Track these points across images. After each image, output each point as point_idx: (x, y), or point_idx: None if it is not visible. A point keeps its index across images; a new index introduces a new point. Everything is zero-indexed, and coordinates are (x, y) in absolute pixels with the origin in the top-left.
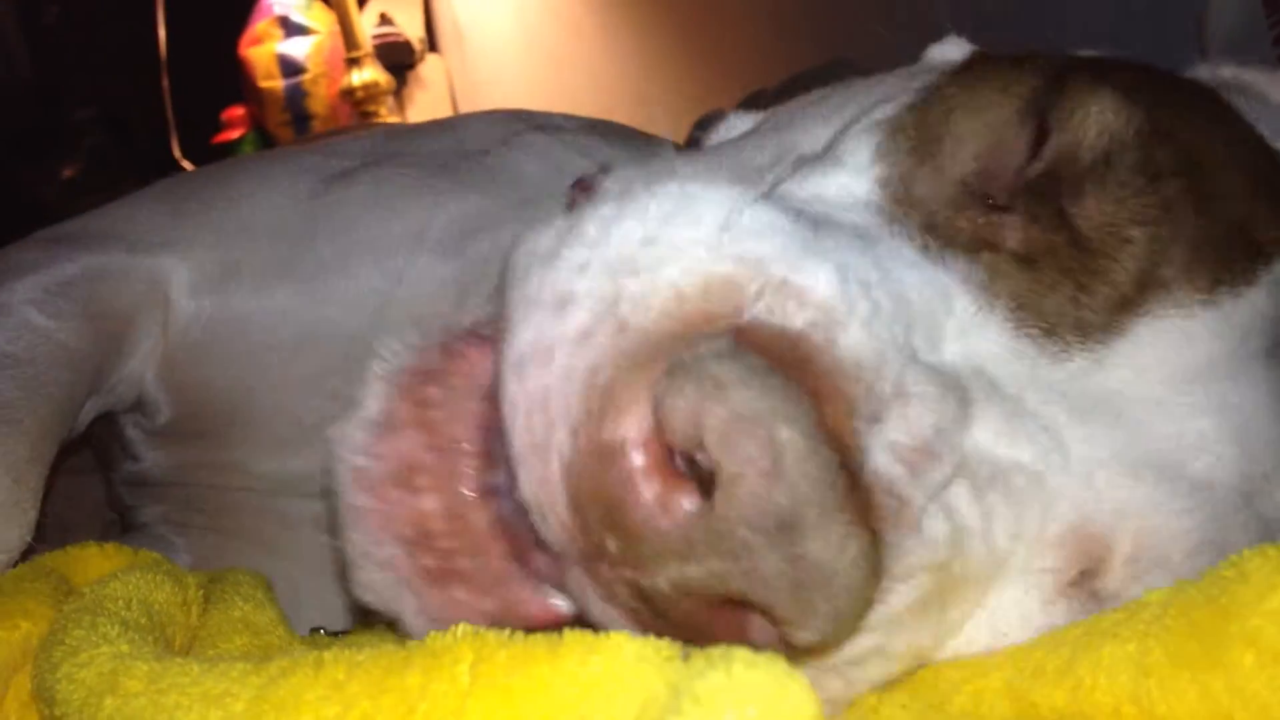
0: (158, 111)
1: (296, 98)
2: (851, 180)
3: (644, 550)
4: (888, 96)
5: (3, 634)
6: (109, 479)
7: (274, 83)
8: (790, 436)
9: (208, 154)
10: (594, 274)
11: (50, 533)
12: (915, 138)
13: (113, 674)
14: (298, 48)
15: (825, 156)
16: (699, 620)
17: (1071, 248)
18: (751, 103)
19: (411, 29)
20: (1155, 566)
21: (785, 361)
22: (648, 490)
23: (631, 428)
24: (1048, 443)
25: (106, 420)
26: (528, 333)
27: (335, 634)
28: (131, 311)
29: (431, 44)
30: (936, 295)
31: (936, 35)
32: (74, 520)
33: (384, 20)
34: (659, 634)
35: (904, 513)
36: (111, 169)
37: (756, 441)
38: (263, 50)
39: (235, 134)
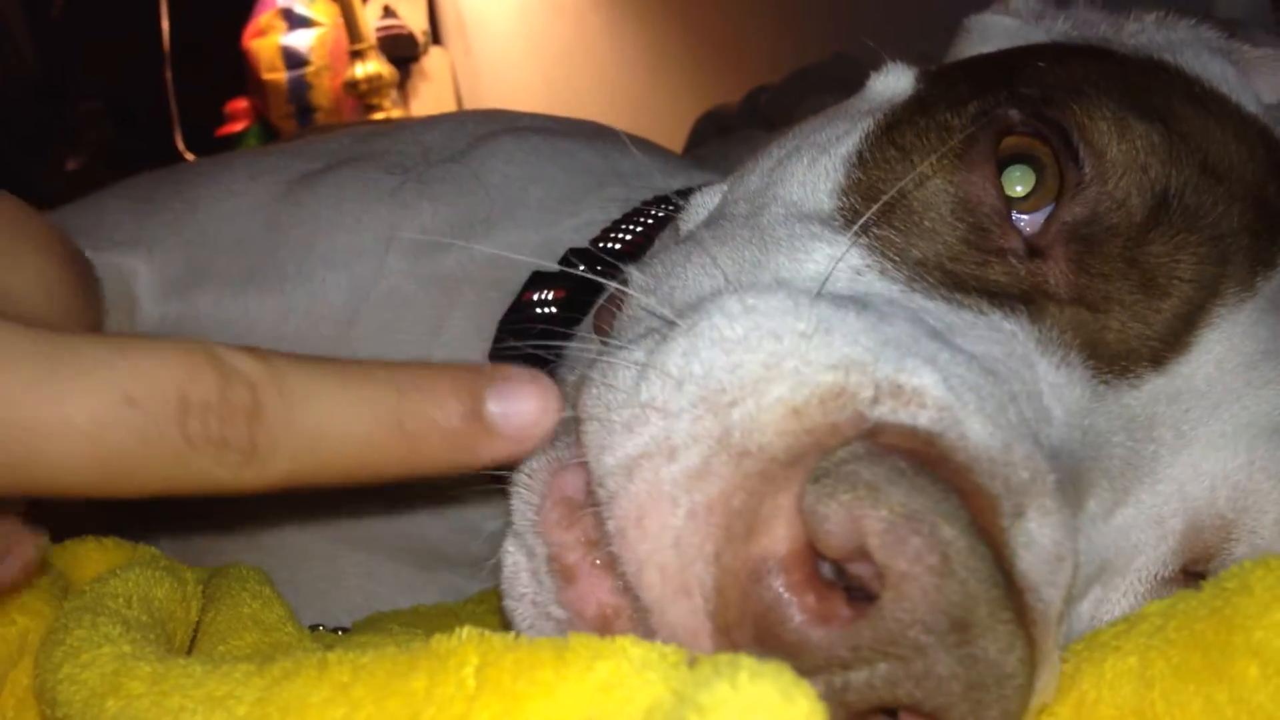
0: (161, 104)
1: (300, 90)
2: (854, 255)
3: (804, 662)
4: (849, 149)
5: (0, 630)
6: None
7: (277, 75)
8: (954, 534)
9: (211, 146)
10: (691, 414)
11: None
12: (904, 198)
13: (115, 675)
14: (301, 40)
15: (820, 234)
16: None
17: (1127, 286)
18: (752, 99)
19: (415, 21)
20: None
21: (925, 460)
22: (804, 601)
23: (779, 542)
24: (1154, 477)
25: None
26: (637, 490)
27: (335, 631)
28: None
29: (435, 36)
30: (1019, 360)
31: (936, 31)
32: (70, 516)
33: (387, 13)
34: None
35: (1048, 617)
36: (115, 162)
37: (923, 540)
38: (266, 43)
39: (239, 126)
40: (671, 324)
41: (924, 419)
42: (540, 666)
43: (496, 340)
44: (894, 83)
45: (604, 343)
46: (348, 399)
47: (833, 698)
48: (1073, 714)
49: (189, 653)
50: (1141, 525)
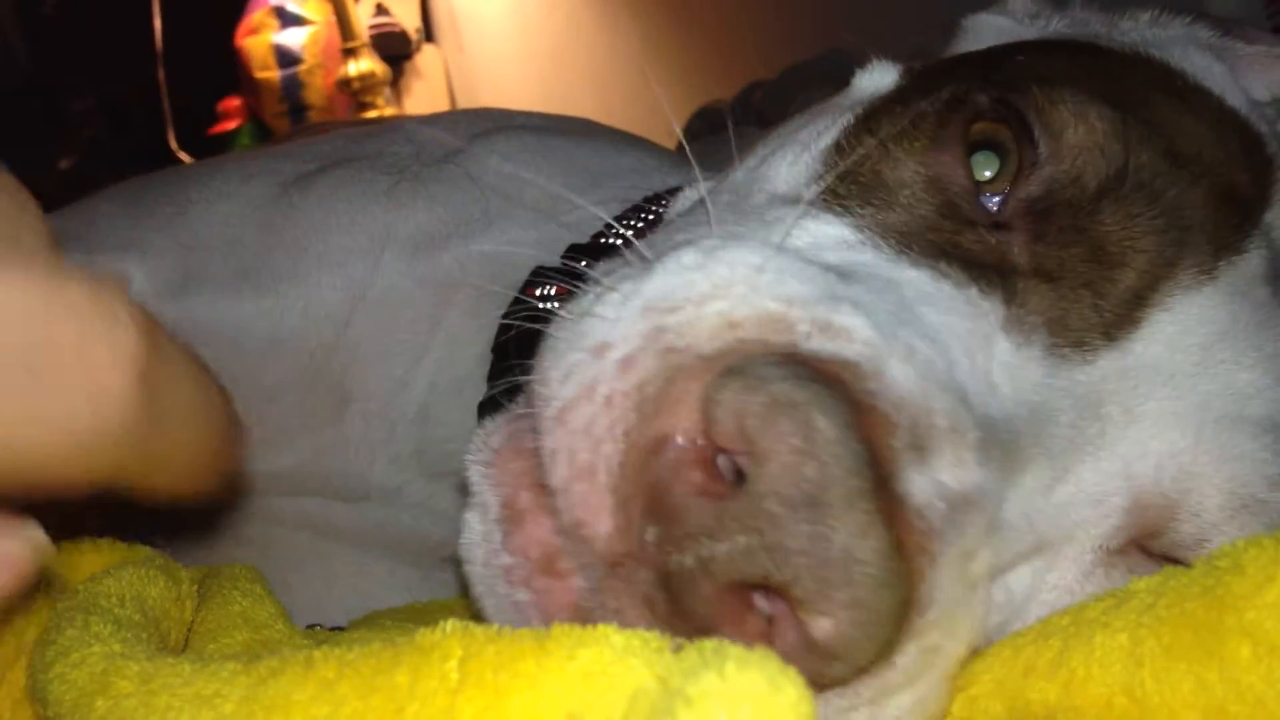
0: (154, 103)
1: (293, 88)
2: (841, 229)
3: (678, 530)
4: (829, 141)
5: None
6: None
7: (270, 73)
8: (825, 424)
9: (204, 145)
10: (631, 318)
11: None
12: (881, 177)
13: (104, 674)
14: (294, 38)
15: (798, 210)
16: (718, 613)
17: (1079, 253)
18: (747, 95)
19: (408, 19)
20: (1242, 508)
21: (833, 380)
22: (691, 475)
23: (678, 421)
24: (1098, 455)
25: None
26: (567, 384)
27: (332, 630)
28: None
29: (428, 34)
30: (978, 338)
31: (930, 26)
32: (71, 515)
33: (380, 10)
34: (674, 630)
35: (930, 539)
36: (108, 161)
37: (792, 423)
38: (259, 41)
39: (232, 125)
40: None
41: (848, 351)
42: (522, 657)
43: (499, 336)
44: (878, 79)
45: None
46: None
47: (700, 568)
48: (1062, 691)
49: (183, 651)
50: (1082, 502)
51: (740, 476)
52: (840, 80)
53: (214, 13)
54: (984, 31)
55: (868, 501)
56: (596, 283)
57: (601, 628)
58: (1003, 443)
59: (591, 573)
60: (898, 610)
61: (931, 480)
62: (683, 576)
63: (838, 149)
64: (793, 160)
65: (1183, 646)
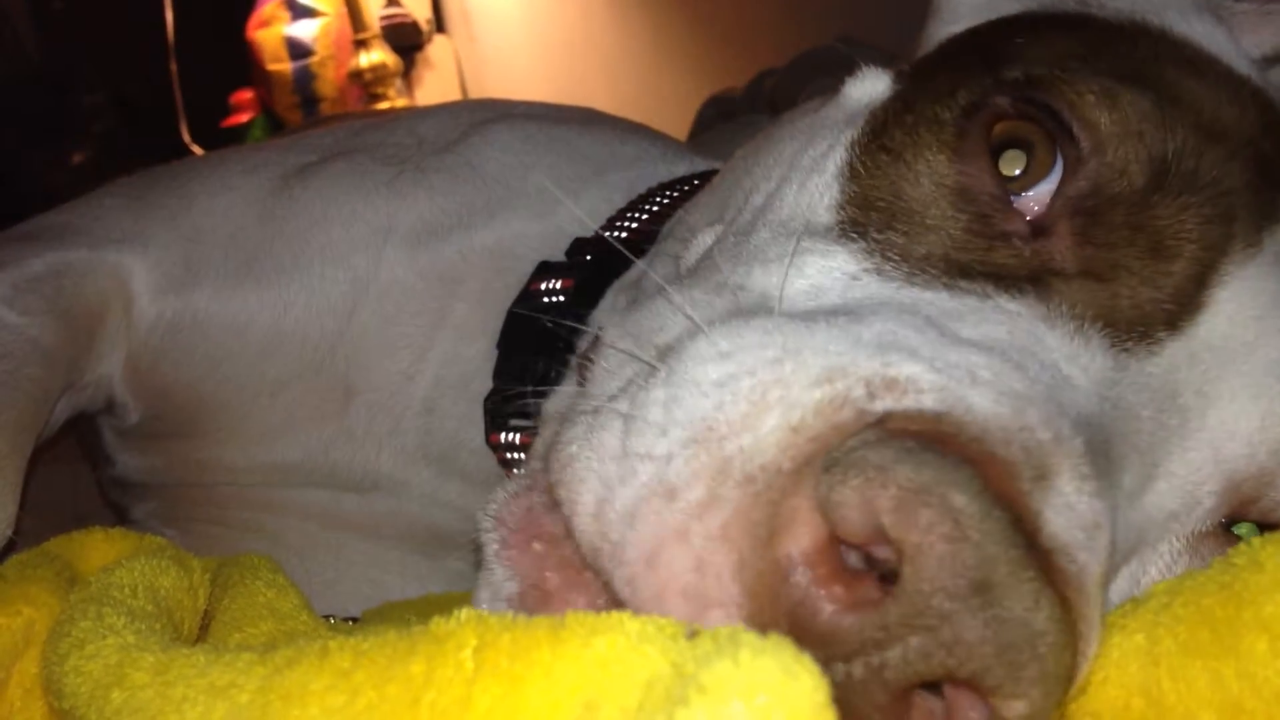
0: (166, 97)
1: (305, 80)
2: (843, 260)
3: (840, 649)
4: (839, 162)
5: (5, 621)
6: (98, 479)
7: (282, 65)
8: (964, 501)
9: (217, 138)
10: (683, 455)
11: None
12: (900, 198)
13: (119, 666)
14: (305, 30)
15: (813, 247)
16: (891, 716)
17: (1134, 252)
18: (757, 84)
19: (419, 10)
20: None
21: (933, 438)
22: (833, 591)
23: (801, 538)
24: (1184, 445)
25: (87, 423)
26: (642, 533)
27: (347, 621)
28: (99, 307)
29: (439, 25)
30: (1024, 335)
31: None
32: (87, 509)
33: (391, 1)
34: None
35: (1084, 579)
36: (121, 155)
37: (933, 510)
38: (270, 33)
39: (244, 117)
40: (651, 369)
41: (928, 401)
42: (537, 646)
43: (505, 330)
44: (870, 87)
45: (579, 392)
46: None
47: (873, 679)
48: (1080, 697)
49: (200, 641)
50: (1174, 496)
51: (871, 564)
52: (852, 67)
53: (225, 6)
54: (959, 8)
55: (1031, 570)
56: (608, 400)
57: (616, 614)
58: (1097, 444)
59: None
60: (1074, 662)
61: (1064, 510)
62: (852, 690)
63: (851, 170)
64: (799, 187)
65: (1199, 643)
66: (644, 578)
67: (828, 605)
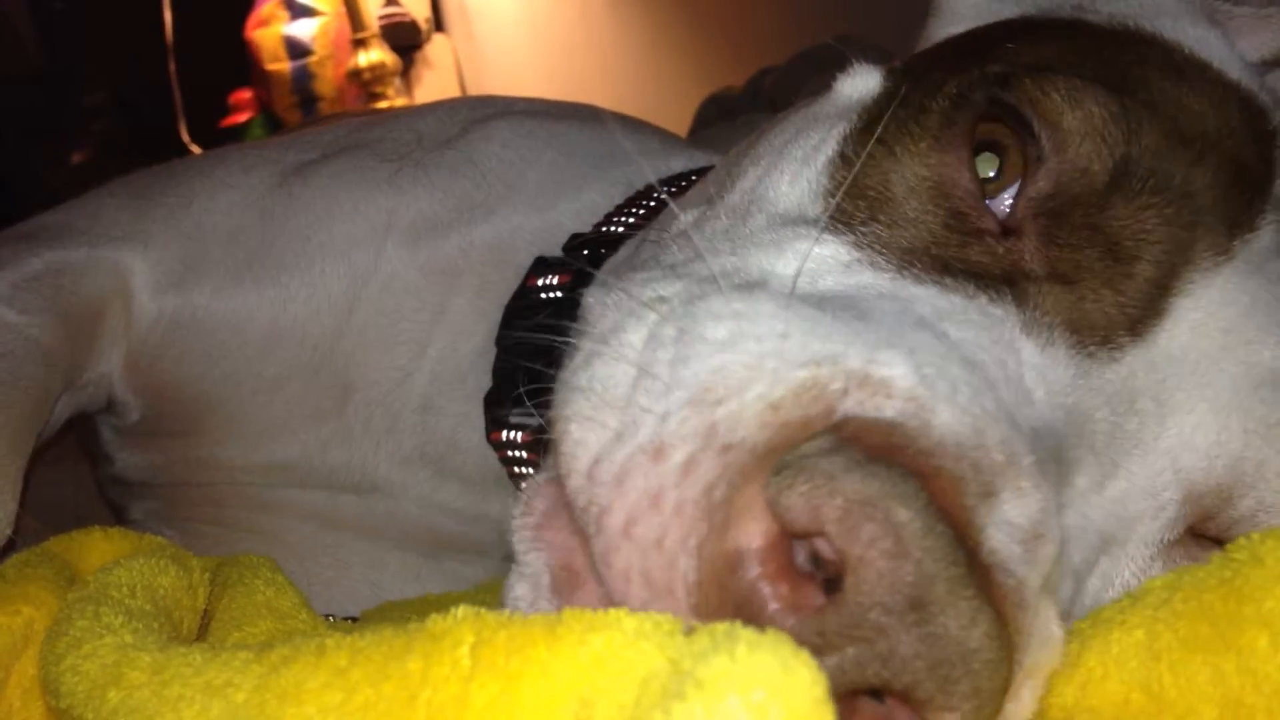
0: (165, 96)
1: (303, 80)
2: (837, 249)
3: None
4: (830, 154)
5: (5, 620)
6: (97, 479)
7: (281, 65)
8: (908, 516)
9: (216, 138)
10: (680, 415)
11: (65, 521)
12: (887, 189)
13: (116, 665)
14: (304, 29)
15: (806, 234)
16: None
17: (1095, 253)
18: (757, 82)
19: (417, 9)
20: None
21: (886, 450)
22: (778, 590)
23: (752, 535)
24: (1143, 449)
25: (86, 422)
26: (624, 489)
27: (346, 620)
28: (99, 306)
29: (438, 23)
30: (1003, 347)
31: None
32: (86, 508)
33: (390, 1)
34: None
35: (1022, 593)
36: (120, 155)
37: (876, 524)
38: (269, 33)
39: (243, 117)
40: (661, 324)
41: (889, 409)
42: (533, 643)
43: (503, 327)
44: (862, 84)
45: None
46: None
47: None
48: (1079, 692)
49: (200, 640)
50: (1137, 496)
51: (818, 564)
52: (848, 66)
53: (224, 5)
54: (959, 9)
55: (969, 587)
56: (618, 349)
57: (613, 611)
58: (1049, 450)
59: None
60: (1009, 675)
61: (1004, 526)
62: None
63: (842, 159)
64: (792, 178)
65: (1199, 639)
66: (618, 548)
67: (772, 603)
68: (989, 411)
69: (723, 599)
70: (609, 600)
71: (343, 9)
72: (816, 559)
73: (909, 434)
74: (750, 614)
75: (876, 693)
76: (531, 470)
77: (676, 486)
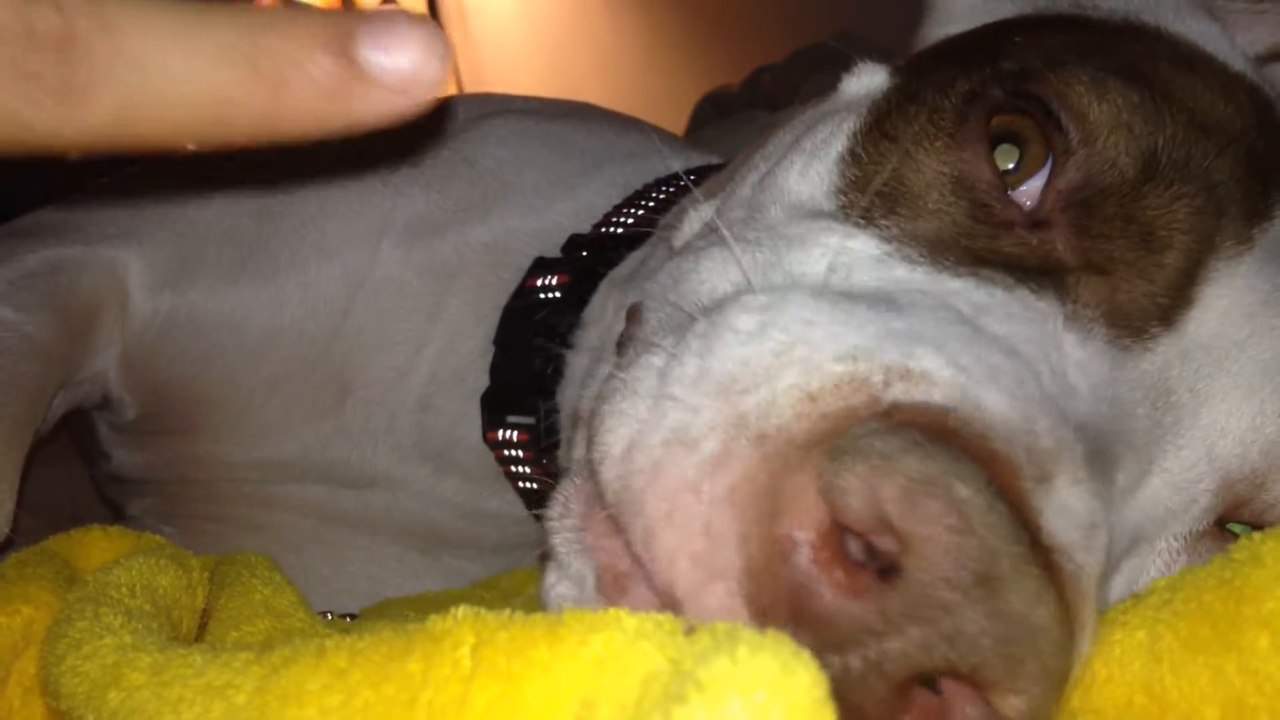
0: None
1: None
2: (867, 242)
3: (836, 636)
4: (840, 149)
5: (4, 620)
6: (93, 476)
7: None
8: (969, 493)
9: None
10: (710, 407)
11: (62, 519)
12: (905, 184)
13: (116, 666)
14: None
15: (830, 227)
16: (892, 709)
17: (1128, 244)
18: (754, 80)
19: (413, 6)
20: None
21: (940, 434)
22: (833, 575)
23: (804, 519)
24: (1178, 443)
25: (82, 418)
26: (664, 486)
27: (344, 618)
28: (95, 303)
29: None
30: (1047, 340)
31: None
32: (83, 506)
33: None
34: None
35: (1080, 579)
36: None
37: (938, 501)
38: None
39: None
40: (692, 319)
41: (937, 395)
42: (534, 644)
43: (501, 327)
44: (868, 80)
45: (620, 348)
46: (189, 32)
47: (872, 671)
48: (1083, 694)
49: (199, 639)
50: (1170, 492)
51: (872, 555)
52: (850, 63)
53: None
54: (955, 9)
55: (1033, 565)
56: (650, 346)
57: (614, 611)
58: (1095, 446)
59: None
60: (1073, 662)
61: (1062, 511)
62: (849, 681)
63: (852, 155)
64: (801, 170)
65: (1200, 639)
66: (660, 534)
67: (829, 590)
68: (1036, 400)
69: (775, 586)
70: (655, 603)
71: (339, 6)
72: (870, 551)
73: (962, 417)
74: (805, 600)
75: (930, 684)
76: (527, 469)
77: (713, 475)
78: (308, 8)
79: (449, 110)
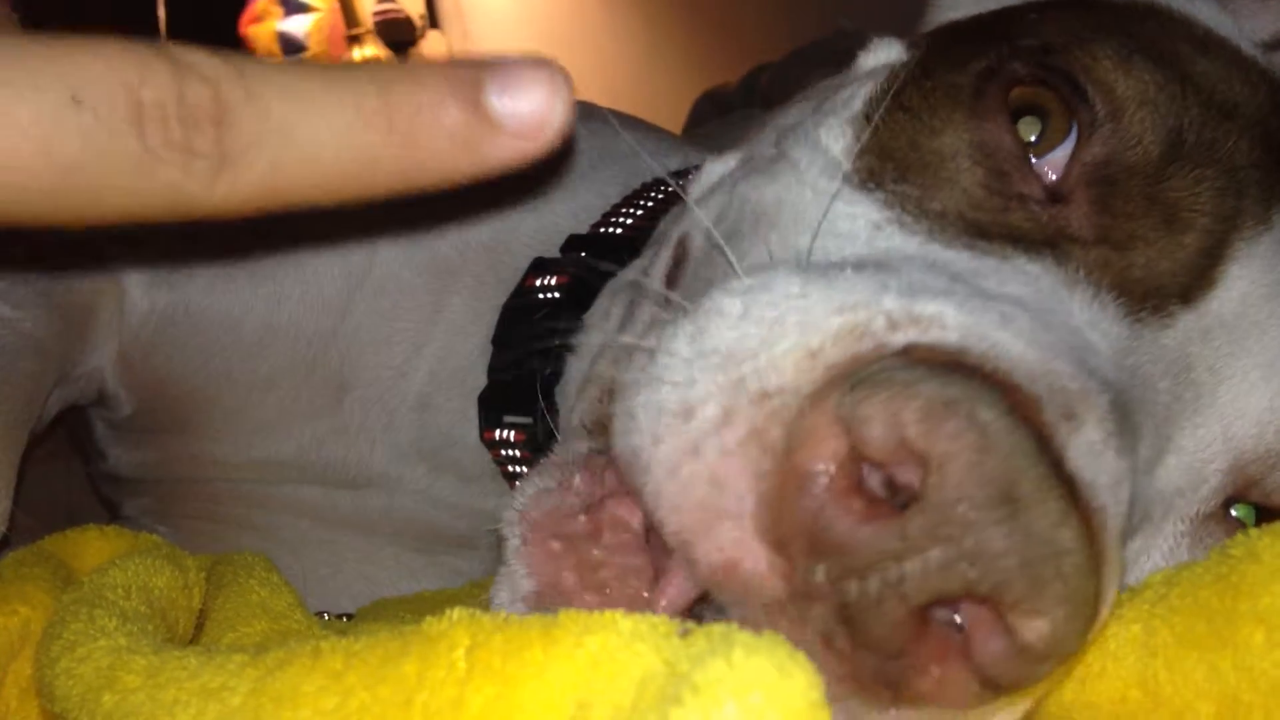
0: None
1: None
2: (867, 208)
3: (857, 561)
4: (854, 113)
5: (1, 620)
6: (89, 475)
7: None
8: (992, 415)
9: None
10: (706, 377)
11: (58, 518)
12: (931, 146)
13: (110, 669)
14: (298, 25)
15: (818, 196)
16: (911, 636)
17: (1150, 222)
18: (752, 78)
19: (412, 5)
20: None
21: (957, 368)
22: (852, 504)
23: (821, 451)
24: (1195, 421)
25: (78, 416)
26: (662, 446)
27: (340, 618)
28: (92, 299)
29: (432, 20)
30: (1046, 296)
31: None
32: (79, 505)
33: None
34: (857, 668)
35: (1104, 516)
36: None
37: (960, 421)
38: (263, 28)
39: None
40: (683, 309)
41: (952, 336)
42: (529, 645)
43: (500, 326)
44: (883, 56)
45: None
46: (325, 95)
47: (890, 594)
48: (1077, 688)
49: (195, 640)
50: (1180, 471)
51: (893, 490)
52: (848, 61)
53: (218, 1)
54: None
55: (1058, 487)
56: (644, 349)
57: (609, 613)
58: (1121, 409)
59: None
60: (1098, 597)
61: (1089, 453)
62: (867, 606)
63: (867, 121)
64: (814, 130)
65: (1195, 635)
66: (666, 489)
67: (846, 516)
68: (1050, 343)
69: (793, 517)
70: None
71: (337, 5)
72: (889, 486)
73: (981, 355)
74: (823, 529)
75: (949, 620)
76: (525, 469)
77: (717, 433)
78: (431, 62)
79: (573, 148)
